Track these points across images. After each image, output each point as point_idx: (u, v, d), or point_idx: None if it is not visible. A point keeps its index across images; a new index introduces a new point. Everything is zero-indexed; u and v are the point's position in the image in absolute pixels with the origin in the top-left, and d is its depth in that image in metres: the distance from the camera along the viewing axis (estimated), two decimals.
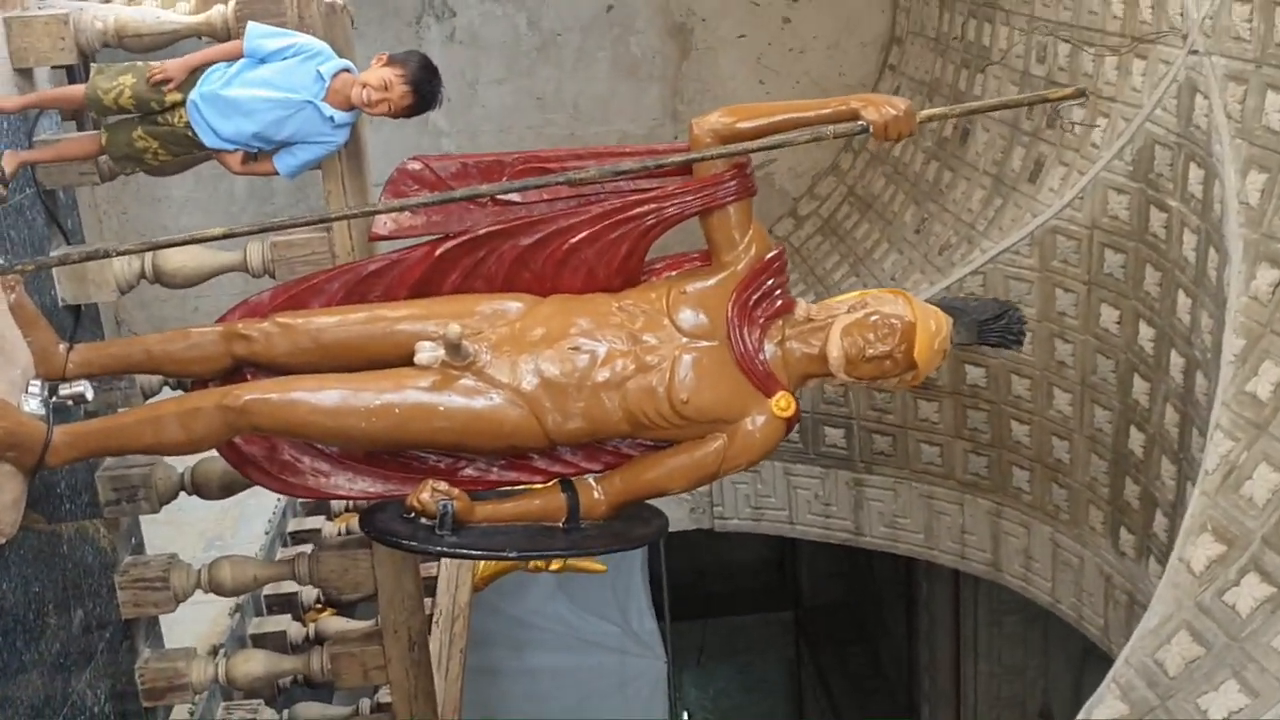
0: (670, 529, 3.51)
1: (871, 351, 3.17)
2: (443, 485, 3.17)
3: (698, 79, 8.39)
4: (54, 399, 3.19)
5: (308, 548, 4.29)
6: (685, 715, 13.87)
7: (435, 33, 8.27)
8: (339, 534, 4.96)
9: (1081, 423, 5.89)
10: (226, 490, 3.86)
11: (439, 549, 3.21)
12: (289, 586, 5.33)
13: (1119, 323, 5.50)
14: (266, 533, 5.59)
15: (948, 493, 6.88)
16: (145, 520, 4.18)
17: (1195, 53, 4.72)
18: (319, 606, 5.51)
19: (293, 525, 5.82)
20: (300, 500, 5.99)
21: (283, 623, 4.97)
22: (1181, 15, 4.81)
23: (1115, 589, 5.89)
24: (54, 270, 3.59)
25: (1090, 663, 8.40)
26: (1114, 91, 5.39)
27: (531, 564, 6.84)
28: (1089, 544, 6.06)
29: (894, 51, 8.47)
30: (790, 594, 14.64)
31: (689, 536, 10.78)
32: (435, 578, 5.48)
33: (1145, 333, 5.29)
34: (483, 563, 6.55)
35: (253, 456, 3.33)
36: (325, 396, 3.09)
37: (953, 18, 7.42)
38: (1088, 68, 5.61)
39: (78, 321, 3.73)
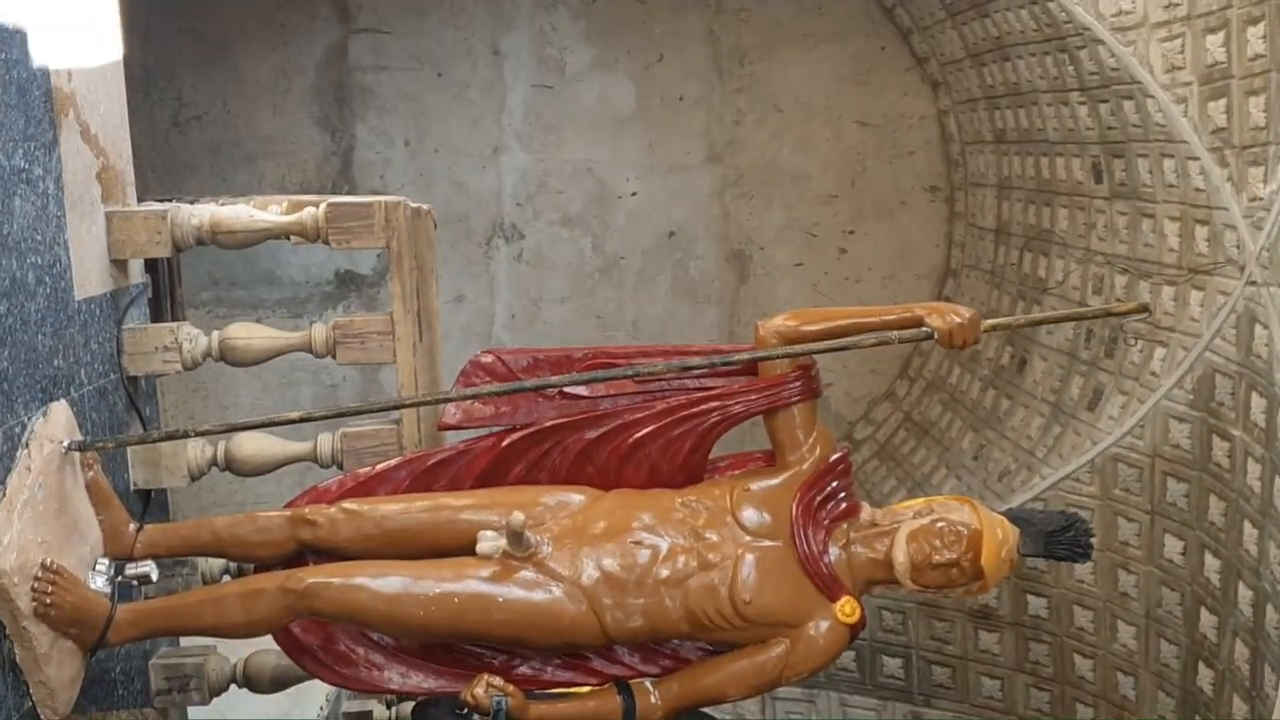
0: None
1: (938, 558, 3.13)
2: (498, 681, 3.12)
3: (754, 303, 8.55)
4: (120, 578, 3.22)
5: None
6: None
7: (504, 253, 8.56)
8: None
9: (1147, 658, 5.70)
10: (278, 684, 3.82)
11: None
12: None
13: (1183, 553, 5.39)
14: None
15: None
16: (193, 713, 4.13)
17: (1253, 283, 4.78)
18: None
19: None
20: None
21: None
22: (1238, 248, 4.91)
23: None
24: (128, 454, 3.66)
25: None
26: (1172, 321, 5.44)
27: None
28: None
29: (949, 284, 8.62)
30: None
31: None
32: None
33: (1211, 564, 5.17)
34: None
35: (309, 646, 3.31)
36: (386, 583, 3.08)
37: (1008, 251, 7.58)
38: (1145, 298, 5.68)
39: (147, 507, 3.78)
